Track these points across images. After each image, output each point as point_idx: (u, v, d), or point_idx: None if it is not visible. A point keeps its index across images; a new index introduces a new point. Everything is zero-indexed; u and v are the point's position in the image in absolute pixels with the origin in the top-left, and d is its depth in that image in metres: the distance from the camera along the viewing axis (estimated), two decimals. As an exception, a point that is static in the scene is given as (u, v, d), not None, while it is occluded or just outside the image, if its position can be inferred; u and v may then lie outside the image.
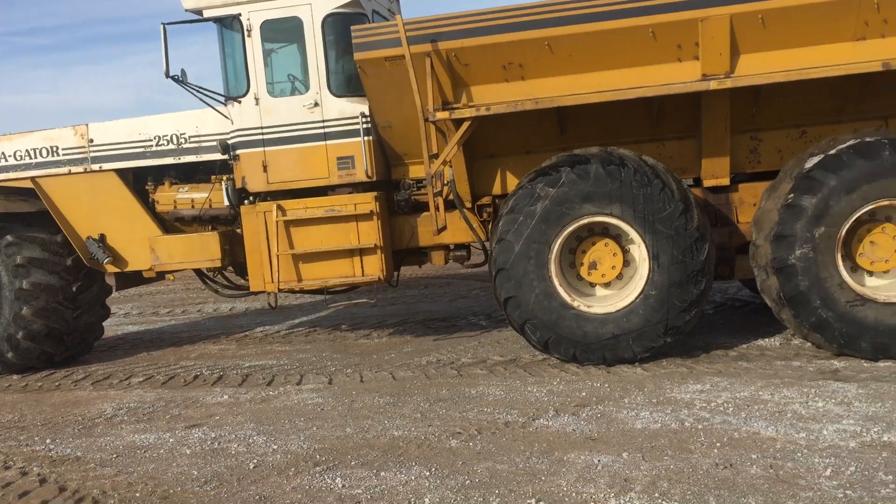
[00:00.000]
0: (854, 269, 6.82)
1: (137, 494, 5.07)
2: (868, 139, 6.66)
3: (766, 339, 7.59)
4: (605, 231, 7.25)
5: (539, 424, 5.71)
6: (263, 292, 8.47)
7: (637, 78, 7.17)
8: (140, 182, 8.91)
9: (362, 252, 8.00)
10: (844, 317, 6.57)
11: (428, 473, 4.97)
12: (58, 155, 8.75)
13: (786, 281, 6.65)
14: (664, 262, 6.91)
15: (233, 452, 5.71)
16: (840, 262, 6.64)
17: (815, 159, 6.70)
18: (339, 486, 4.91)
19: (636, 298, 7.01)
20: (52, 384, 8.52)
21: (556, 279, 7.08)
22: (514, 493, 4.56)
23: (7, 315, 8.60)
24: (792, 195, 6.63)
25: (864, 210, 6.60)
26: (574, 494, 4.48)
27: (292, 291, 8.61)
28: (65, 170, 8.76)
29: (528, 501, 4.43)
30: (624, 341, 7.00)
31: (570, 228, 7.09)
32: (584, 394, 6.35)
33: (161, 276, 9.19)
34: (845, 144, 6.67)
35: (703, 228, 6.96)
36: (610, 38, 7.04)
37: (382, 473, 5.05)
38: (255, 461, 5.48)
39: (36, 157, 8.79)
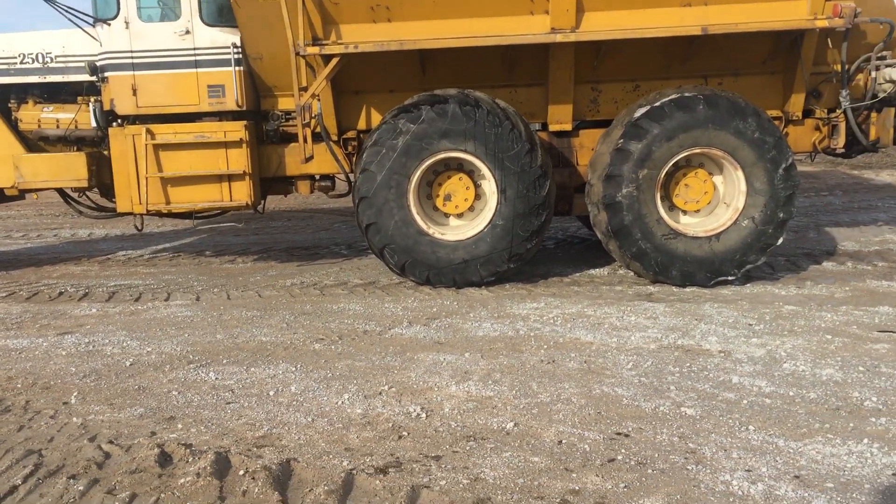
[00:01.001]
0: (671, 208, 7.93)
1: (19, 385, 5.49)
2: (687, 94, 7.67)
3: (597, 270, 8.64)
4: (460, 166, 8.02)
5: (393, 332, 6.48)
6: (129, 214, 8.71)
7: (494, 27, 7.86)
8: (2, 100, 8.87)
9: (230, 178, 8.42)
10: (659, 248, 7.66)
11: (294, 369, 5.65)
12: None
13: (613, 215, 7.66)
14: (510, 195, 7.75)
15: (108, 353, 6.16)
16: (659, 201, 7.70)
17: (642, 110, 7.66)
18: (213, 378, 5.51)
19: (485, 228, 7.83)
20: None
21: (413, 208, 7.80)
22: (369, 382, 5.32)
23: None
24: (622, 140, 7.60)
25: (681, 156, 7.65)
26: (421, 383, 5.28)
27: (159, 214, 8.88)
28: None
29: (382, 388, 5.20)
30: (472, 266, 7.84)
31: (428, 162, 7.80)
32: (434, 309, 7.17)
33: (22, 195, 9.24)
34: (667, 98, 7.65)
35: (545, 167, 7.84)
36: None
37: (252, 369, 5.68)
38: (130, 360, 5.97)
39: None
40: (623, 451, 4.16)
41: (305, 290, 8.17)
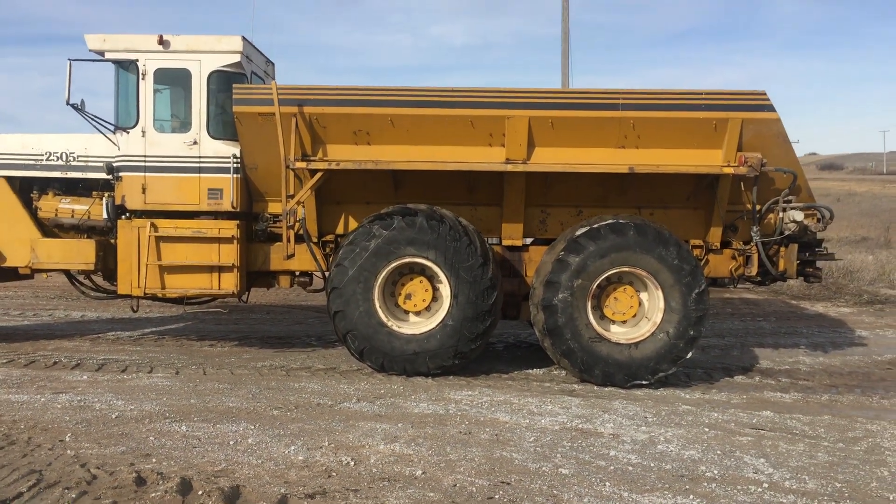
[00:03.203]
0: (602, 317, 9.26)
1: (22, 427, 6.75)
2: (620, 220, 9.14)
3: (534, 370, 9.94)
4: (422, 271, 9.37)
5: (343, 406, 7.77)
6: (128, 296, 10.06)
7: (458, 154, 9.43)
8: (25, 189, 10.38)
9: (221, 269, 9.83)
10: (585, 349, 8.96)
11: (253, 427, 6.91)
12: None
13: (549, 316, 8.97)
14: (461, 301, 9.10)
15: (97, 408, 7.44)
16: (590, 308, 9.02)
17: (583, 230, 9.09)
18: (184, 430, 6.78)
19: (437, 326, 9.16)
20: (-84, 359, 9.74)
21: (377, 302, 9.12)
22: (313, 439, 6.59)
23: None
24: (563, 253, 8.99)
25: (611, 272, 9.04)
26: (356, 442, 6.55)
27: (154, 298, 10.24)
28: None
29: (323, 443, 6.47)
30: (422, 358, 9.12)
31: (395, 264, 9.15)
32: (382, 391, 8.46)
33: (32, 275, 10.62)
34: (604, 222, 9.12)
35: (495, 279, 9.22)
36: (440, 121, 9.33)
37: (218, 425, 6.95)
38: (116, 413, 7.23)
39: None
40: (500, 492, 5.42)
41: (273, 370, 9.45)
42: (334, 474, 5.74)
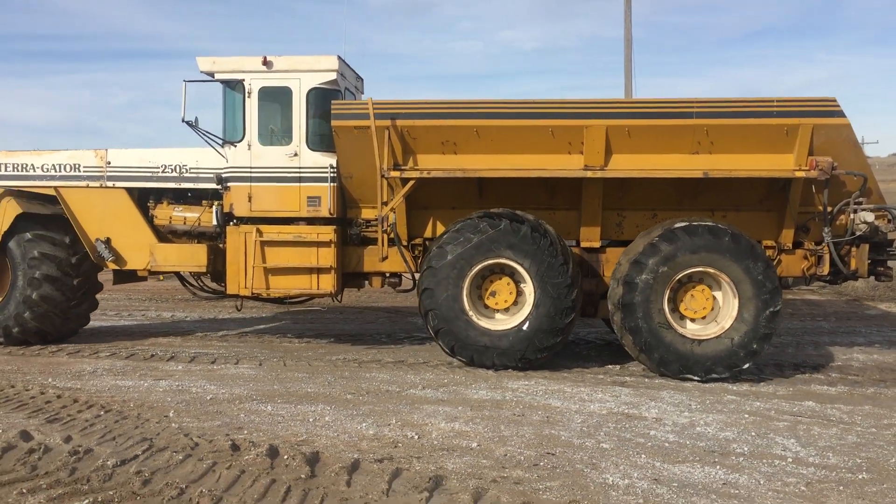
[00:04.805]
0: (674, 310, 9.75)
1: (132, 405, 7.87)
2: (693, 223, 9.68)
3: (591, 366, 10.62)
4: (511, 274, 10.04)
5: (409, 392, 8.68)
6: (235, 296, 11.20)
7: (539, 162, 10.12)
8: (143, 199, 11.65)
9: (319, 271, 10.83)
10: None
11: (329, 408, 7.88)
12: (79, 171, 11.52)
13: (628, 314, 9.62)
14: (541, 312, 9.75)
15: (193, 392, 8.53)
16: (666, 306, 9.64)
17: (659, 232, 9.71)
18: (270, 409, 7.80)
19: (512, 328, 9.86)
20: (31, 353, 11.07)
21: (465, 290, 9.89)
22: (382, 418, 7.51)
23: (19, 297, 11.21)
24: (640, 255, 9.62)
25: (697, 270, 9.62)
26: (420, 421, 7.44)
27: (259, 298, 11.37)
28: (83, 183, 11.52)
29: (391, 421, 7.39)
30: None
31: (482, 265, 9.90)
32: (446, 380, 9.34)
33: (145, 277, 11.98)
34: (679, 225, 9.69)
35: (575, 278, 9.92)
36: (522, 131, 10.09)
37: (299, 406, 7.94)
38: (210, 396, 8.31)
39: (60, 171, 11.55)
40: (545, 461, 6.24)
41: (347, 363, 10.44)
42: (400, 445, 6.64)
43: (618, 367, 10.33)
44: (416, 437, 6.91)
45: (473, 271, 9.92)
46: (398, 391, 8.73)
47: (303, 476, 5.83)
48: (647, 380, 9.66)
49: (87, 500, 5.38)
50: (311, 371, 9.81)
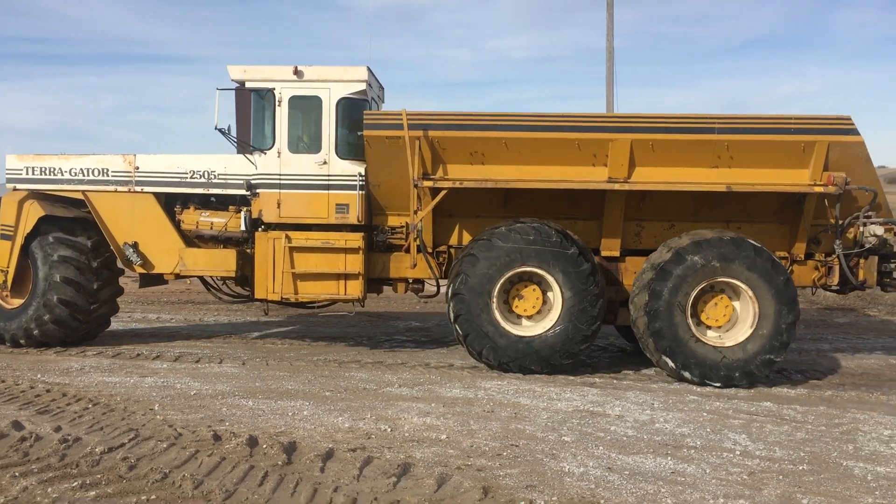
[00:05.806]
0: (694, 314, 10.15)
1: (118, 399, 8.29)
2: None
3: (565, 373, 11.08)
4: (533, 279, 10.40)
5: (385, 390, 9.13)
6: (263, 300, 11.42)
7: (564, 173, 10.43)
8: (169, 204, 11.89)
9: (347, 277, 11.14)
10: (685, 351, 9.89)
11: (308, 404, 8.33)
12: (107, 175, 11.71)
13: (652, 320, 9.97)
14: (572, 306, 10.18)
15: (178, 388, 8.97)
16: (688, 313, 10.01)
17: (684, 242, 10.07)
18: (251, 404, 8.25)
19: (533, 335, 10.21)
20: (20, 351, 11.44)
21: (494, 306, 10.23)
22: (358, 413, 7.97)
23: (39, 300, 11.43)
24: (666, 263, 9.98)
25: (710, 281, 10.00)
26: (394, 416, 7.90)
27: (286, 303, 11.69)
28: (112, 188, 11.69)
29: (366, 416, 7.85)
30: (538, 358, 10.20)
31: (511, 273, 10.15)
32: (421, 379, 9.80)
33: (166, 280, 12.42)
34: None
35: (601, 287, 10.32)
36: (549, 143, 10.41)
37: (279, 402, 8.39)
38: (193, 391, 8.75)
39: (88, 175, 11.75)
40: (508, 451, 6.72)
41: (327, 363, 10.88)
42: (373, 436, 7.10)
43: (588, 369, 10.80)
44: (389, 429, 7.36)
45: (503, 279, 10.22)
46: (375, 389, 9.17)
47: (280, 463, 6.28)
48: (615, 381, 10.13)
49: (76, 483, 5.81)
50: (292, 370, 10.24)
